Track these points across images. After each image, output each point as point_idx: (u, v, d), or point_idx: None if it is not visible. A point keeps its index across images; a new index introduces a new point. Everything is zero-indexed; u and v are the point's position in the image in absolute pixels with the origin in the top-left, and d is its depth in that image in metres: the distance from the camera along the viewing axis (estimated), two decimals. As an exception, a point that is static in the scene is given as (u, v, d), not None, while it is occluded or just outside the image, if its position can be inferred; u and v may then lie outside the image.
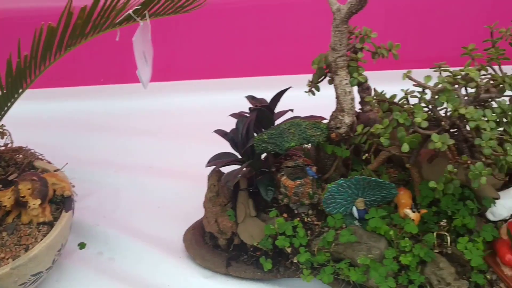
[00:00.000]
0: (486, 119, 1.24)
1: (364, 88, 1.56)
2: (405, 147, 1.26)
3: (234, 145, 1.52)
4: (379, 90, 1.41)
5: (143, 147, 2.08)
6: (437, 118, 1.28)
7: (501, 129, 1.26)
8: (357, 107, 1.52)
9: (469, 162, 1.19)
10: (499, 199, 1.46)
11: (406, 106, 1.30)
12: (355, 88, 1.48)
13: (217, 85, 2.34)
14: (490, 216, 1.47)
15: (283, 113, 1.61)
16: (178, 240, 1.65)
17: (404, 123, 1.27)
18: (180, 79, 2.38)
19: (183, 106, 2.26)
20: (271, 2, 2.33)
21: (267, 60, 2.32)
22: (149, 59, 1.37)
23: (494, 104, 1.29)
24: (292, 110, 1.64)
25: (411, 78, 1.28)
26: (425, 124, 1.22)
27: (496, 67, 1.40)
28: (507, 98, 1.33)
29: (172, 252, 1.65)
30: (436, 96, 1.27)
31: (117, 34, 1.30)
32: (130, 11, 1.25)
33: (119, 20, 1.27)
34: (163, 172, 1.95)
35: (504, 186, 1.53)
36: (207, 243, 1.61)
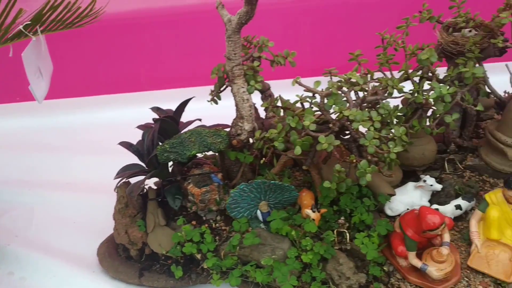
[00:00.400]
0: (372, 119, 1.31)
1: (266, 95, 1.61)
2: (298, 150, 1.32)
3: (139, 156, 1.53)
4: (289, 97, 1.45)
5: (58, 164, 2.06)
6: (328, 120, 1.35)
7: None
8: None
9: (354, 161, 1.26)
10: (395, 195, 1.54)
11: (298, 110, 1.35)
12: (259, 95, 1.53)
13: (128, 99, 2.36)
14: (388, 211, 1.55)
15: (190, 122, 1.64)
16: (92, 254, 1.65)
17: (296, 126, 1.33)
18: (90, 95, 2.38)
19: (95, 121, 2.27)
20: (170, 17, 2.38)
21: (175, 73, 2.36)
22: (46, 74, 1.37)
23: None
24: (200, 120, 1.67)
25: (300, 84, 1.35)
26: (313, 126, 1.28)
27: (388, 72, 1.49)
28: (392, 100, 1.42)
29: (86, 266, 1.64)
30: (325, 100, 1.34)
31: (10, 50, 1.30)
32: (21, 27, 1.25)
33: (10, 36, 1.26)
34: (77, 188, 1.94)
35: (402, 183, 1.63)
36: (120, 255, 1.61)
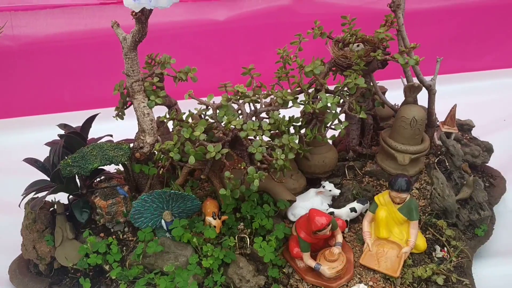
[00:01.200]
0: (261, 129, 1.40)
1: (172, 110, 1.68)
2: (191, 159, 1.38)
3: (45, 172, 1.57)
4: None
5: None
6: (221, 131, 1.43)
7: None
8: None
9: (242, 167, 1.34)
10: (295, 201, 1.62)
11: (191, 122, 1.42)
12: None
13: (47, 120, 2.40)
14: (291, 217, 1.64)
15: (100, 138, 1.68)
16: (3, 272, 1.65)
17: (190, 137, 1.40)
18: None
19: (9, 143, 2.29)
20: (92, 40, 2.46)
21: (97, 94, 2.42)
22: None
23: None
24: (111, 135, 1.72)
25: (193, 97, 1.42)
26: (203, 136, 1.36)
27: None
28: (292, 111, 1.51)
29: (-3, 284, 1.64)
30: (217, 112, 1.42)
31: None
32: None
33: None
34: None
35: (306, 190, 1.71)
36: (30, 271, 1.63)
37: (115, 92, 1.55)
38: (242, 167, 1.35)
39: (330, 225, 1.40)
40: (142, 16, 1.34)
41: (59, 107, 2.48)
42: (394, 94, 1.86)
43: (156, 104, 1.53)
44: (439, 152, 1.78)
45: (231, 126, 1.37)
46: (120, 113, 1.60)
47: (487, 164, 1.93)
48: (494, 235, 1.72)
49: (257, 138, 1.36)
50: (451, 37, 2.88)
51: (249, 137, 1.37)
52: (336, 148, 1.86)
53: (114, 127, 1.69)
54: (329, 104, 1.46)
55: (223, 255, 1.47)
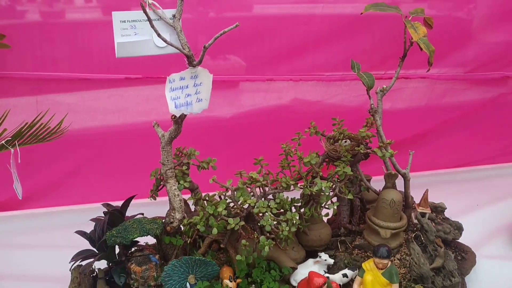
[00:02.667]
0: (270, 207, 1.77)
1: (195, 193, 2.05)
2: (214, 231, 1.74)
3: (91, 242, 1.91)
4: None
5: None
6: (238, 208, 1.80)
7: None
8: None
9: (256, 237, 1.69)
10: (296, 269, 1.96)
11: (215, 201, 1.80)
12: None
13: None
14: (293, 282, 1.95)
15: (133, 216, 2.04)
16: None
17: (213, 213, 1.76)
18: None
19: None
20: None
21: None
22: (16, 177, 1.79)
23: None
24: (142, 214, 2.08)
25: (216, 181, 1.81)
26: (224, 212, 1.73)
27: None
28: (292, 193, 1.89)
29: None
30: (235, 193, 1.80)
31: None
32: (3, 141, 1.69)
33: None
34: (32, 278, 2.25)
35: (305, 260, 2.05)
36: (72, 331, 1.91)
37: (152, 177, 1.94)
38: (255, 237, 1.70)
39: (326, 285, 1.73)
40: (179, 119, 1.76)
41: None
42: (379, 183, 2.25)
43: (184, 187, 1.91)
44: (415, 228, 2.13)
45: (246, 204, 1.74)
46: (154, 195, 1.97)
47: (459, 241, 2.28)
48: (466, 301, 2.03)
49: (266, 214, 1.73)
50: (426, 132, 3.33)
51: (260, 213, 1.73)
52: (331, 226, 2.21)
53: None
54: (323, 188, 1.84)
55: (238, 311, 1.77)
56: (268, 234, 1.74)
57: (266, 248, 1.68)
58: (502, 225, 2.68)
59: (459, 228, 2.25)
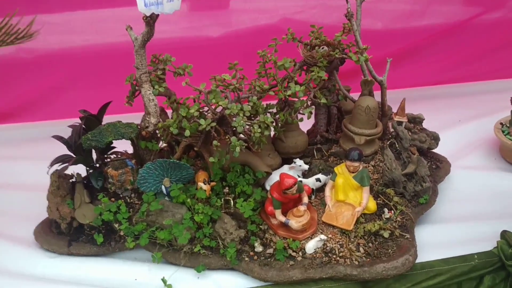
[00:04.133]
0: (243, 110, 1.77)
1: (171, 101, 2.05)
2: (187, 132, 1.76)
3: (68, 147, 1.93)
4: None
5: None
6: (211, 111, 1.80)
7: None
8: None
9: (227, 138, 1.71)
10: (271, 174, 1.99)
11: (187, 104, 1.80)
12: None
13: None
14: (267, 186, 1.99)
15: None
16: (29, 236, 1.99)
17: (186, 115, 1.77)
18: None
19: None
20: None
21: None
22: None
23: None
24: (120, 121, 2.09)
25: (189, 84, 1.80)
26: (196, 114, 1.73)
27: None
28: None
29: (24, 244, 1.98)
30: (208, 96, 1.80)
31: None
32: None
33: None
34: (16, 187, 2.31)
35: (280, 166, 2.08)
36: (53, 232, 1.97)
37: (127, 82, 1.93)
38: (227, 138, 1.72)
39: (297, 186, 1.77)
40: (151, 20, 1.73)
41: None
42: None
43: (159, 92, 1.90)
44: (390, 136, 2.16)
45: (220, 107, 1.74)
46: (130, 101, 1.98)
47: (435, 151, 2.31)
48: (437, 206, 2.09)
49: (239, 116, 1.73)
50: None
51: (232, 115, 1.74)
52: (309, 136, 2.24)
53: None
54: (297, 92, 1.84)
55: (211, 212, 1.82)
56: (240, 135, 1.75)
57: (237, 149, 1.70)
58: (482, 139, 2.69)
59: (435, 138, 2.28)
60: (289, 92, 1.83)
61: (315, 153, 2.15)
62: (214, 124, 1.72)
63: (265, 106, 1.89)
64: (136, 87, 1.93)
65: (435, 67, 3.36)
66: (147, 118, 1.90)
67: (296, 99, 1.90)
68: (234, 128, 1.76)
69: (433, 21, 3.30)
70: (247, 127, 1.78)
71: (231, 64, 1.92)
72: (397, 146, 2.12)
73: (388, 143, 2.13)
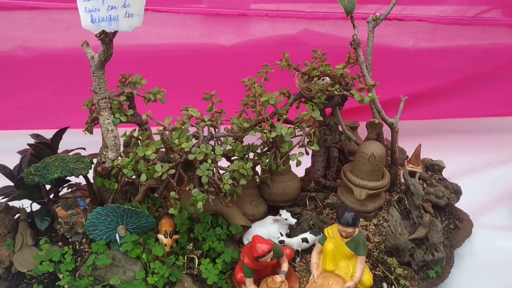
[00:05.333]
0: (214, 153, 1.44)
1: (143, 129, 1.74)
2: (143, 177, 1.43)
3: (11, 178, 1.64)
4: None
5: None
6: (176, 152, 1.47)
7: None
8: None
9: (187, 189, 1.38)
10: (250, 227, 1.65)
11: (147, 141, 1.48)
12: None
13: None
14: (246, 241, 1.66)
15: (72, 151, 1.75)
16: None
17: (145, 156, 1.45)
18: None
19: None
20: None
21: None
22: None
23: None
24: (84, 149, 1.79)
25: (151, 118, 1.48)
26: (153, 156, 1.41)
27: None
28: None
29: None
30: (173, 133, 1.47)
31: None
32: None
33: None
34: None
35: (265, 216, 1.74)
36: (-9, 274, 1.69)
37: (84, 107, 1.62)
38: (188, 189, 1.39)
39: (271, 253, 1.43)
40: (106, 37, 1.41)
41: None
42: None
43: (121, 122, 1.59)
44: (398, 190, 1.79)
45: (180, 148, 1.41)
46: (89, 128, 1.67)
47: (456, 206, 1.93)
48: (452, 278, 1.71)
49: (207, 161, 1.40)
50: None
51: (198, 160, 1.41)
52: (305, 178, 1.89)
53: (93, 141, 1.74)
54: (283, 134, 1.49)
55: (169, 273, 1.50)
56: (206, 187, 1.42)
57: (200, 204, 1.37)
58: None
59: (456, 191, 1.90)
60: (273, 135, 1.49)
61: (307, 202, 1.80)
62: (172, 171, 1.39)
63: (244, 148, 1.55)
64: (95, 114, 1.62)
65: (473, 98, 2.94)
66: (104, 152, 1.59)
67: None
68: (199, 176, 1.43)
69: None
70: (219, 174, 1.45)
71: (207, 94, 1.59)
72: (406, 202, 1.75)
73: (396, 198, 1.76)
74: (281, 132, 1.50)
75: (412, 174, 1.80)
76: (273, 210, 1.78)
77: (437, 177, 1.95)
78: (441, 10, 2.53)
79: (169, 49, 2.78)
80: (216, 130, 1.54)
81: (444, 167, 1.97)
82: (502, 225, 2.05)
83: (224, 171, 1.49)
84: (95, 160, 1.65)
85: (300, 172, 1.74)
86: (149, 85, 1.64)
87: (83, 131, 1.68)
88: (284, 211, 1.69)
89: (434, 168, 1.96)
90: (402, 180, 1.82)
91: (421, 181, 1.86)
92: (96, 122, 1.67)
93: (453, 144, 2.67)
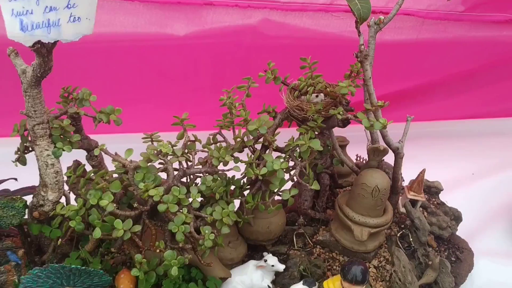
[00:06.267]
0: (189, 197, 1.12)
1: (92, 155, 1.37)
2: (97, 233, 1.09)
3: None
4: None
5: None
6: (136, 199, 1.14)
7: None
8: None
9: (158, 251, 1.05)
10: (229, 277, 1.35)
11: (101, 184, 1.12)
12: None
13: None
14: (223, 294, 1.35)
15: (1, 182, 1.37)
16: None
17: (99, 204, 1.10)
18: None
19: None
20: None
21: None
22: None
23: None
24: (16, 179, 1.41)
25: (106, 152, 1.13)
26: (111, 207, 1.06)
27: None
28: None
29: None
30: (136, 173, 1.13)
31: None
32: None
33: None
34: None
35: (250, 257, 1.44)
36: None
37: (14, 134, 1.24)
38: (158, 250, 1.06)
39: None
40: (43, 48, 1.04)
41: None
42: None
43: (64, 151, 1.22)
44: (402, 226, 1.53)
45: (147, 195, 1.07)
46: (21, 158, 1.29)
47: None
48: (459, 320, 1.49)
49: (183, 212, 1.07)
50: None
51: (170, 211, 1.08)
52: (290, 208, 1.60)
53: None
54: (276, 169, 1.19)
55: None
56: (180, 244, 1.09)
57: (174, 270, 1.05)
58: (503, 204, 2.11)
59: (457, 218, 1.68)
60: (264, 171, 1.18)
61: (294, 240, 1.51)
62: (138, 228, 1.05)
63: (224, 185, 1.23)
64: (29, 142, 1.24)
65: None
66: (43, 193, 1.22)
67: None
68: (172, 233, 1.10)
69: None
70: (196, 224, 1.12)
71: (178, 118, 1.25)
72: (410, 239, 1.49)
73: (398, 235, 1.51)
74: (273, 167, 1.19)
75: (413, 203, 1.55)
76: (253, 249, 1.48)
77: (435, 201, 1.71)
78: (429, 4, 2.29)
79: (121, 39, 2.40)
80: (189, 163, 1.21)
81: (442, 190, 1.74)
82: (501, 251, 1.85)
83: (201, 220, 1.17)
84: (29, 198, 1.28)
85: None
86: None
87: (13, 162, 1.30)
88: (270, 255, 1.39)
89: (432, 190, 1.73)
90: (401, 210, 1.57)
91: (421, 208, 1.61)
92: (30, 150, 1.30)
93: (433, 151, 2.47)
